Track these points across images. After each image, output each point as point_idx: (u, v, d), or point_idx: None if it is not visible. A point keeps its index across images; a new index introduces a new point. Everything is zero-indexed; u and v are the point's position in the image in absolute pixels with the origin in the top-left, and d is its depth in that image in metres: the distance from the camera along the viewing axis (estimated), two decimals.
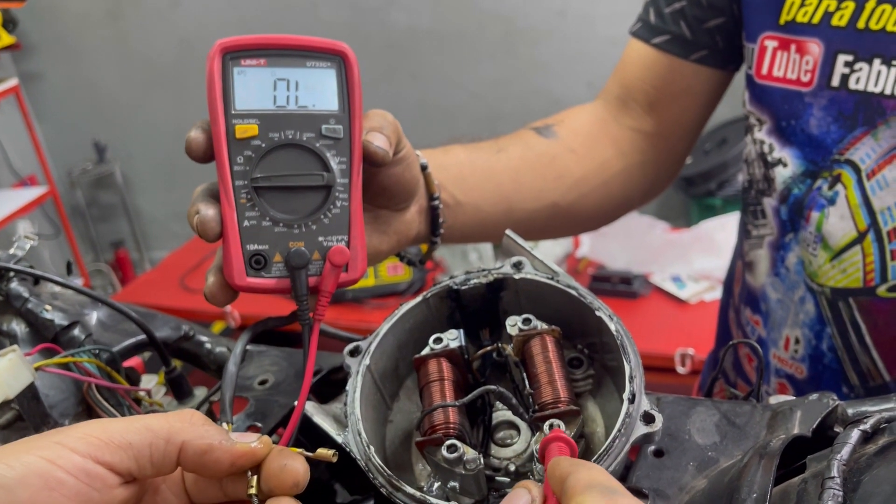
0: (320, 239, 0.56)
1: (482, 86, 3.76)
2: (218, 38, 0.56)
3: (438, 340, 0.57)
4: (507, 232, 0.61)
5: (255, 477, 0.44)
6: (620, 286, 2.53)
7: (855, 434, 0.42)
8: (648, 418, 0.50)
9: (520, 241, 0.60)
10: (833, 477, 0.40)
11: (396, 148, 0.64)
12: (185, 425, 0.43)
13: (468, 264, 2.64)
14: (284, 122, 0.56)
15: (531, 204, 0.91)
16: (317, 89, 0.57)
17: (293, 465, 0.44)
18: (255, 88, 0.56)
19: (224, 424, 0.50)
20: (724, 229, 2.64)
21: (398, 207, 0.72)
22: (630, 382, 0.51)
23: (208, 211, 0.56)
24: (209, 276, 0.58)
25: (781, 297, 0.91)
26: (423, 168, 0.75)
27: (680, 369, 2.25)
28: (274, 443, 0.46)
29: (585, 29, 3.50)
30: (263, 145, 0.55)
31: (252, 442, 0.44)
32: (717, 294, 2.47)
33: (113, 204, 4.71)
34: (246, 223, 0.55)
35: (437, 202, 0.77)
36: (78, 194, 4.58)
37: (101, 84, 4.35)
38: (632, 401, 0.50)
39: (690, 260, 2.58)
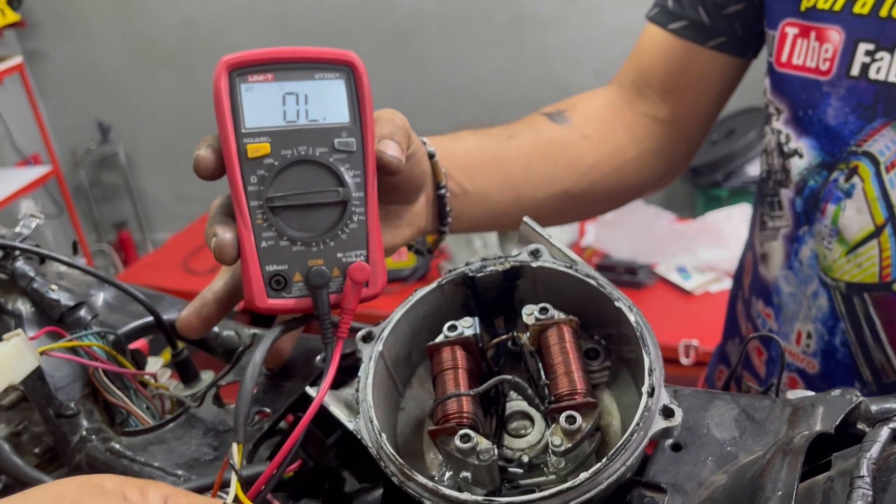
0: (339, 255, 0.56)
1: (488, 72, 3.73)
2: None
3: (453, 328, 0.56)
4: (525, 219, 0.60)
5: None
6: (625, 276, 2.52)
7: (885, 432, 0.41)
8: (668, 412, 0.49)
9: (538, 228, 0.59)
10: (862, 476, 0.39)
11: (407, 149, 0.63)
12: None
13: (472, 252, 2.63)
14: (296, 137, 0.55)
15: (541, 192, 0.90)
16: (326, 102, 0.56)
17: None
18: (264, 104, 0.54)
19: (234, 445, 0.48)
20: (730, 220, 2.63)
21: (408, 201, 0.71)
22: (650, 375, 0.50)
23: (225, 235, 0.54)
24: (191, 305, 0.60)
25: (794, 291, 0.90)
26: (431, 157, 0.74)
27: (684, 360, 2.25)
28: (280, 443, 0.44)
29: (594, 16, 3.48)
30: (276, 163, 0.54)
31: None
32: (722, 286, 2.46)
33: (116, 184, 4.70)
34: (264, 244, 0.54)
35: (443, 191, 0.76)
36: (81, 174, 4.57)
37: (105, 63, 4.33)
38: (651, 394, 0.49)
39: (696, 251, 2.57)
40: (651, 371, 0.50)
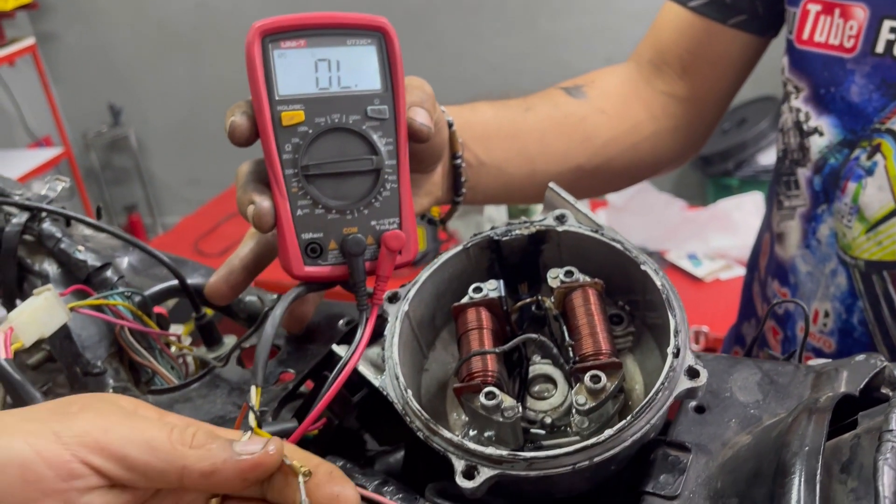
0: (373, 223, 0.56)
1: (500, 58, 3.72)
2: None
3: (478, 290, 0.56)
4: (551, 185, 0.60)
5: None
6: None
7: None
8: (693, 373, 0.49)
9: (563, 193, 0.59)
10: (892, 430, 0.39)
11: None
12: (185, 448, 0.40)
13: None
14: (329, 105, 0.55)
15: (556, 167, 0.90)
16: (359, 68, 0.56)
17: (345, 497, 0.42)
18: (297, 71, 0.55)
19: (253, 388, 0.49)
20: (741, 208, 2.63)
21: (427, 170, 0.71)
22: (675, 336, 0.50)
23: (263, 203, 0.55)
24: (220, 270, 0.60)
25: (811, 270, 0.90)
26: (449, 126, 0.74)
27: (694, 346, 2.25)
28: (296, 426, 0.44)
29: (606, 2, 3.46)
30: (310, 131, 0.54)
31: (260, 450, 0.41)
32: (732, 273, 2.46)
33: (127, 168, 4.71)
34: (299, 212, 0.55)
35: (459, 161, 0.76)
36: (92, 157, 4.58)
37: (117, 46, 4.33)
38: (676, 354, 0.49)
39: (707, 238, 2.56)
40: (677, 332, 0.50)
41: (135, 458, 0.39)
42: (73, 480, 0.38)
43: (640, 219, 2.65)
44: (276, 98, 0.54)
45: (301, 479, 0.42)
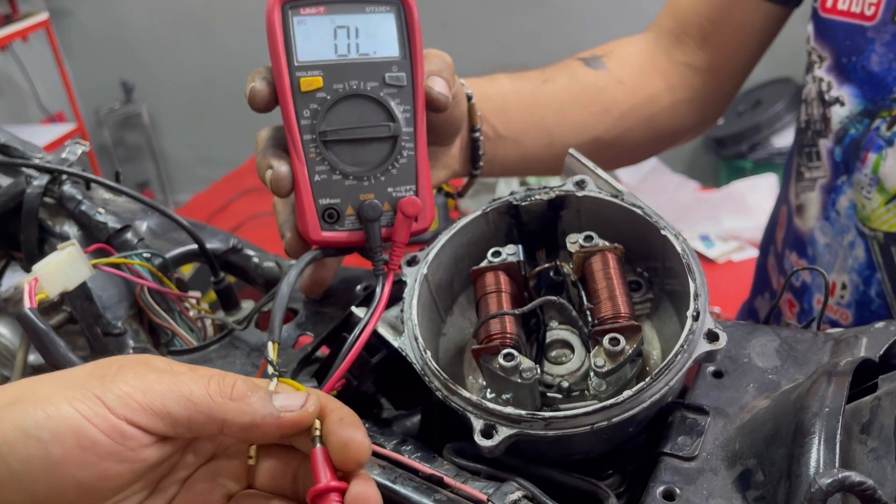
0: (389, 190, 0.57)
1: (513, 37, 3.69)
2: None
3: (497, 254, 0.56)
4: (571, 151, 0.60)
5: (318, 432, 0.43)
6: None
7: None
8: (712, 336, 0.49)
9: (583, 159, 0.59)
10: None
11: None
12: (225, 402, 0.41)
13: None
14: (347, 71, 0.55)
15: (573, 138, 0.90)
16: (377, 35, 0.56)
17: (356, 442, 0.42)
18: (317, 38, 0.55)
19: (270, 344, 0.49)
20: (755, 190, 2.61)
21: (445, 142, 0.71)
22: (695, 300, 0.50)
23: (281, 167, 0.55)
24: (285, 231, 0.59)
25: (830, 242, 0.89)
26: (469, 99, 0.74)
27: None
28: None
29: None
30: (329, 97, 0.55)
31: (298, 409, 0.42)
32: (745, 254, 2.44)
33: (139, 145, 4.72)
34: (317, 178, 0.55)
35: (478, 134, 0.76)
36: (105, 133, 4.59)
37: (129, 23, 4.32)
38: (696, 318, 0.49)
39: (720, 219, 2.55)
40: (696, 296, 0.50)
41: (177, 414, 0.40)
42: (126, 441, 0.39)
43: (654, 199, 2.64)
44: (296, 64, 0.54)
45: (317, 433, 0.42)
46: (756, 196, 2.57)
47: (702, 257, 2.49)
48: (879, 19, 0.77)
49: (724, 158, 3.38)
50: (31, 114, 4.17)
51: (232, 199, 3.26)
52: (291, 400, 0.42)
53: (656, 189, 2.65)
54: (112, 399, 0.39)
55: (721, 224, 2.54)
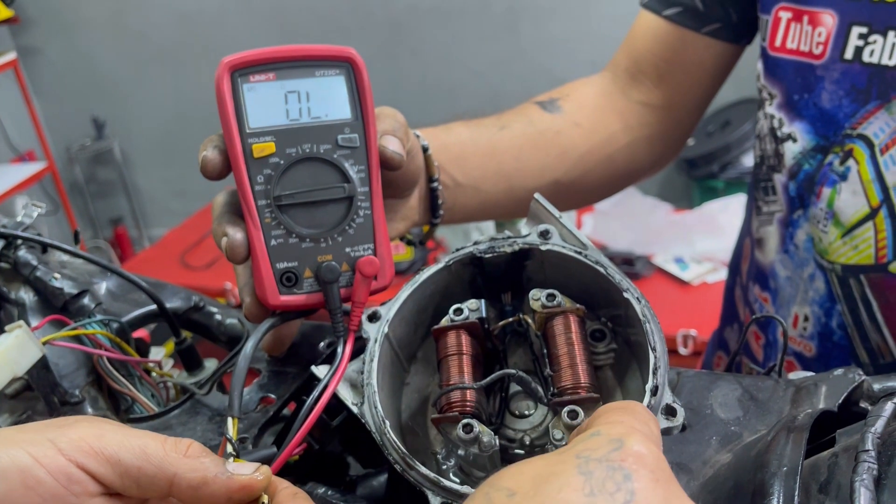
0: (347, 250, 0.57)
1: (484, 64, 3.73)
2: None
3: (459, 311, 0.56)
4: (536, 196, 0.59)
5: None
6: (623, 267, 2.52)
7: (889, 407, 0.41)
8: (670, 411, 0.49)
9: (549, 206, 0.59)
10: (868, 450, 0.39)
11: None
12: (179, 457, 0.41)
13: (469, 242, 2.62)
14: (300, 135, 0.55)
15: (533, 182, 0.90)
16: (328, 98, 0.56)
17: None
18: (267, 104, 0.55)
19: (230, 420, 0.49)
20: (727, 211, 2.64)
21: (403, 195, 0.71)
22: (654, 375, 0.49)
23: (236, 235, 0.55)
24: (245, 296, 0.59)
25: (790, 275, 0.90)
26: (425, 150, 0.74)
27: (682, 350, 2.25)
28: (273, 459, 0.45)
29: (588, 7, 3.47)
30: (282, 162, 0.55)
31: (250, 473, 0.43)
32: (719, 276, 2.47)
33: (111, 180, 4.69)
34: (273, 242, 0.55)
35: (436, 184, 0.76)
36: (76, 170, 4.55)
37: (99, 60, 4.31)
38: (654, 393, 0.49)
39: (693, 241, 2.58)
40: (655, 370, 0.50)
41: (128, 463, 0.40)
42: (72, 485, 0.39)
43: (627, 223, 2.67)
44: (248, 131, 0.54)
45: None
46: (728, 216, 2.60)
47: (677, 280, 2.51)
48: (828, 57, 0.78)
49: (696, 179, 3.42)
50: (1, 153, 4.13)
51: (207, 234, 3.24)
52: (243, 468, 0.44)
53: (629, 212, 2.67)
54: (65, 442, 0.39)
55: (694, 246, 2.57)
